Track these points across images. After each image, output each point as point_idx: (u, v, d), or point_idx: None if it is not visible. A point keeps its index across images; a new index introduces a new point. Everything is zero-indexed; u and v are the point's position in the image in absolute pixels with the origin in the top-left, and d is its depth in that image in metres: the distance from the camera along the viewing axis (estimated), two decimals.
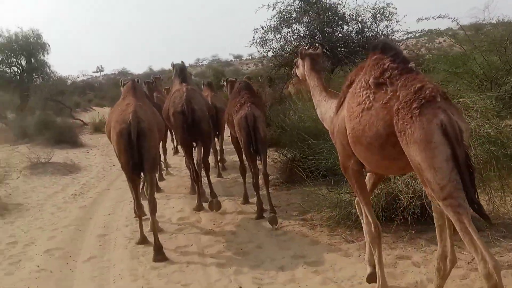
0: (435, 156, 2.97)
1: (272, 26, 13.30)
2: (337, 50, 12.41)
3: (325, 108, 4.67)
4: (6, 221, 8.04)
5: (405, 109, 3.13)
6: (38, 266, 5.83)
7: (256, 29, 13.52)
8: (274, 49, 13.43)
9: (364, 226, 4.23)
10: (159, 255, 5.82)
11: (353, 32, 12.76)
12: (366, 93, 3.56)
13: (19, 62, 28.90)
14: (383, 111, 3.34)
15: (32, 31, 28.84)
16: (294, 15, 12.98)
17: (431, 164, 2.99)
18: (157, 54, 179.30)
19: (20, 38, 28.48)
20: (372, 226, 3.97)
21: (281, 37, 13.32)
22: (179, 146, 13.09)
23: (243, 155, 7.46)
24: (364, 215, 4.15)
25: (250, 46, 13.75)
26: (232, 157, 11.58)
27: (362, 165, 3.95)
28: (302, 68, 5.15)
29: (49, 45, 29.34)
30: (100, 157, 14.93)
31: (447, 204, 2.96)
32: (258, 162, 7.19)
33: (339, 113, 4.03)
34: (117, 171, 12.25)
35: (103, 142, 18.57)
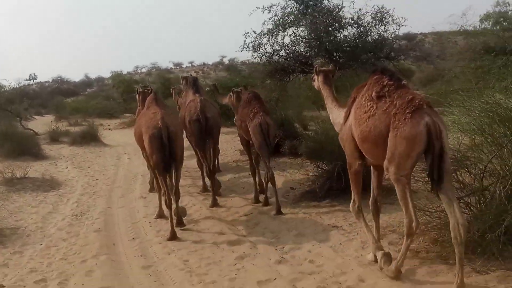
0: (414, 149, 4.18)
1: (267, 30, 12.41)
2: (337, 54, 11.70)
3: (335, 114, 5.60)
4: (11, 251, 6.60)
5: (400, 113, 4.26)
6: None
7: (247, 33, 12.60)
8: (268, 53, 12.54)
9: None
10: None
11: (353, 36, 12.10)
12: (370, 103, 4.62)
13: None
14: (384, 115, 4.42)
15: None
16: (291, 18, 12.15)
17: (408, 153, 4.19)
18: (92, 61, 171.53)
19: None
20: (357, 205, 5.21)
21: (274, 41, 12.43)
22: None
23: (261, 156, 7.86)
24: (352, 199, 5.24)
25: (241, 50, 12.78)
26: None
27: (362, 166, 5.04)
28: (317, 82, 6.11)
29: None
30: (75, 171, 13.30)
31: (399, 179, 4.28)
32: None
33: (346, 123, 5.05)
34: (105, 186, 10.94)
35: (65, 153, 16.89)
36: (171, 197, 6.87)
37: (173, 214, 6.86)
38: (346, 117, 5.05)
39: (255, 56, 12.86)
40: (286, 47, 12.36)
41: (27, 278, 5.56)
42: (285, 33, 12.40)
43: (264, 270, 5.27)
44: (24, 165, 12.47)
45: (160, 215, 7.79)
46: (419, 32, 12.20)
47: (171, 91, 20.06)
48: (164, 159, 6.72)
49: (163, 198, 7.28)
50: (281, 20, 12.23)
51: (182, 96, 10.12)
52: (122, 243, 6.79)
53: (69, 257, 6.21)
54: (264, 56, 12.65)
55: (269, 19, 12.31)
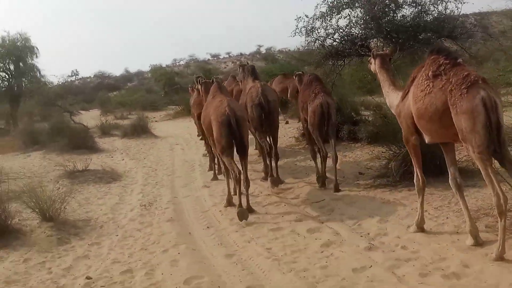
0: (476, 123, 4.19)
1: (319, 13, 12.04)
2: (396, 35, 11.21)
3: (392, 97, 5.74)
4: (89, 242, 6.58)
5: (457, 90, 4.35)
6: None
7: (299, 17, 12.23)
8: (322, 37, 12.18)
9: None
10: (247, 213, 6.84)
11: (411, 15, 11.57)
12: (427, 82, 4.75)
13: (7, 67, 26.86)
14: (440, 92, 4.55)
15: (20, 35, 26.80)
16: (345, 0, 11.75)
17: (473, 129, 4.21)
18: (132, 56, 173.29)
19: (7, 42, 26.43)
20: (420, 180, 5.43)
21: (328, 25, 12.05)
22: None
23: (316, 137, 8.00)
24: (415, 174, 5.49)
25: (294, 35, 12.46)
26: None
27: (419, 140, 5.23)
28: (374, 65, 6.22)
29: (37, 48, 27.39)
30: (131, 162, 13.36)
31: (478, 157, 4.24)
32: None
33: (404, 101, 5.27)
34: (165, 176, 10.91)
35: (118, 145, 17.07)
36: (240, 174, 7.04)
37: (242, 188, 7.05)
38: (405, 95, 5.27)
39: (308, 41, 12.50)
40: (340, 30, 11.96)
41: (111, 269, 5.48)
42: (339, 15, 11.99)
43: (355, 257, 5.00)
44: (80, 158, 12.63)
45: (229, 203, 7.66)
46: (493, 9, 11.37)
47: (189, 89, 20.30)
48: (231, 143, 7.07)
49: (231, 184, 7.59)
50: (335, 2, 11.82)
51: (241, 84, 10.32)
52: (197, 232, 6.65)
53: (149, 247, 6.12)
54: (317, 40, 12.28)
55: (323, 1, 11.91)
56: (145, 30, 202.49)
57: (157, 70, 48.06)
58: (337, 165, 7.93)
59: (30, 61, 27.08)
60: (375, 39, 11.29)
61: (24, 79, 27.12)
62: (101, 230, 7.18)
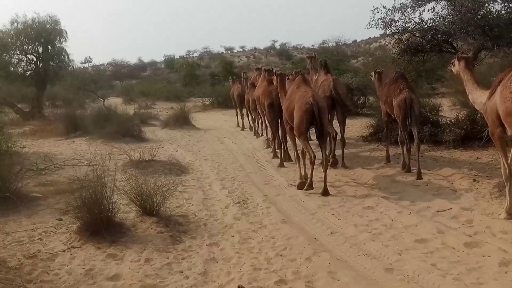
0: None
1: (399, 4, 11.31)
2: (489, 30, 10.40)
3: (476, 95, 6.48)
4: (206, 243, 5.83)
5: None
6: None
7: (376, 8, 11.48)
8: (401, 30, 11.47)
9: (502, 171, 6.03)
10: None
11: (507, 11, 10.74)
12: None
13: (36, 49, 26.00)
14: None
15: (50, 17, 25.90)
16: None
17: None
18: (145, 45, 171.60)
19: (37, 24, 25.56)
20: (507, 170, 5.86)
21: (409, 18, 11.34)
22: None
23: (402, 127, 8.94)
24: (502, 164, 5.94)
25: (370, 27, 11.72)
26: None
27: (503, 133, 5.78)
28: (457, 66, 6.95)
29: (66, 32, 26.52)
30: (189, 154, 12.62)
31: None
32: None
33: (491, 99, 5.85)
34: (237, 171, 10.25)
35: (162, 135, 16.37)
36: (315, 155, 8.02)
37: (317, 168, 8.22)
38: (491, 95, 5.89)
39: (387, 34, 11.79)
40: (423, 24, 11.21)
41: (258, 277, 4.77)
42: (422, 8, 11.25)
43: None
44: (130, 147, 12.02)
45: (301, 186, 8.33)
46: None
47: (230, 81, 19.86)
48: (308, 128, 8.24)
49: (302, 169, 8.75)
50: None
51: (311, 76, 11.01)
52: (324, 239, 5.96)
53: (283, 253, 5.40)
54: (396, 34, 11.56)
55: None
56: (158, 20, 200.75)
57: (178, 61, 47.25)
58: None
59: (58, 45, 26.31)
60: (462, 36, 10.52)
61: (51, 62, 26.34)
62: (207, 228, 6.46)
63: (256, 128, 15.79)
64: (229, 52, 74.04)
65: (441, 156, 9.88)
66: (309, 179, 8.18)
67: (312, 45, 69.48)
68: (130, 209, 6.86)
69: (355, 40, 68.26)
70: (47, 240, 5.97)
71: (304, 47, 73.73)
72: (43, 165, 10.14)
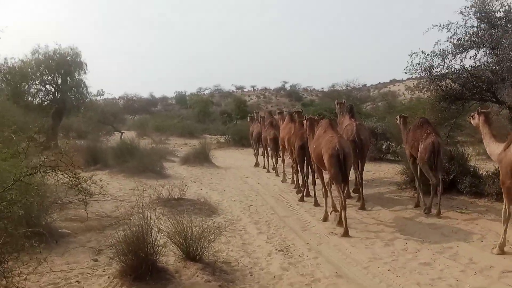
0: None
1: (439, 50, 11.03)
2: None
3: (493, 148, 6.96)
4: None
5: None
6: None
7: (414, 53, 11.19)
8: (441, 76, 11.17)
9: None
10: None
11: None
12: None
13: (55, 80, 25.91)
14: None
15: (71, 49, 25.95)
16: (473, 39, 10.71)
17: None
18: (156, 80, 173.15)
19: (58, 55, 25.56)
20: (507, 213, 6.55)
21: (449, 64, 11.04)
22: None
23: (426, 170, 9.20)
24: (504, 207, 6.61)
25: (406, 72, 11.42)
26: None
27: None
28: (477, 120, 7.45)
29: (86, 65, 26.50)
30: (214, 193, 12.13)
31: None
32: None
33: (506, 151, 6.47)
34: (270, 214, 9.73)
35: (183, 172, 15.94)
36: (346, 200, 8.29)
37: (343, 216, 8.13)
38: (506, 147, 6.47)
39: (424, 80, 11.49)
40: (463, 71, 10.91)
41: None
42: (463, 55, 10.94)
43: None
44: (152, 183, 11.52)
45: (325, 218, 9.03)
46: None
47: (248, 118, 19.85)
48: (340, 172, 8.23)
49: (329, 203, 9.16)
50: (462, 40, 10.80)
51: (339, 120, 11.81)
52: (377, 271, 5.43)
53: None
54: (435, 80, 11.24)
55: (449, 37, 10.86)
56: (171, 56, 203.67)
57: (191, 97, 47.32)
58: None
59: (78, 77, 26.24)
60: (505, 85, 10.19)
61: (70, 94, 26.21)
62: (254, 278, 5.94)
63: (277, 167, 15.70)
64: (239, 91, 74.46)
65: (487, 210, 9.33)
66: (344, 226, 8.06)
67: (322, 88, 69.80)
68: (168, 252, 6.34)
69: (365, 85, 68.49)
70: (85, 283, 5.46)
71: (314, 89, 74.15)
72: (67, 199, 9.65)
